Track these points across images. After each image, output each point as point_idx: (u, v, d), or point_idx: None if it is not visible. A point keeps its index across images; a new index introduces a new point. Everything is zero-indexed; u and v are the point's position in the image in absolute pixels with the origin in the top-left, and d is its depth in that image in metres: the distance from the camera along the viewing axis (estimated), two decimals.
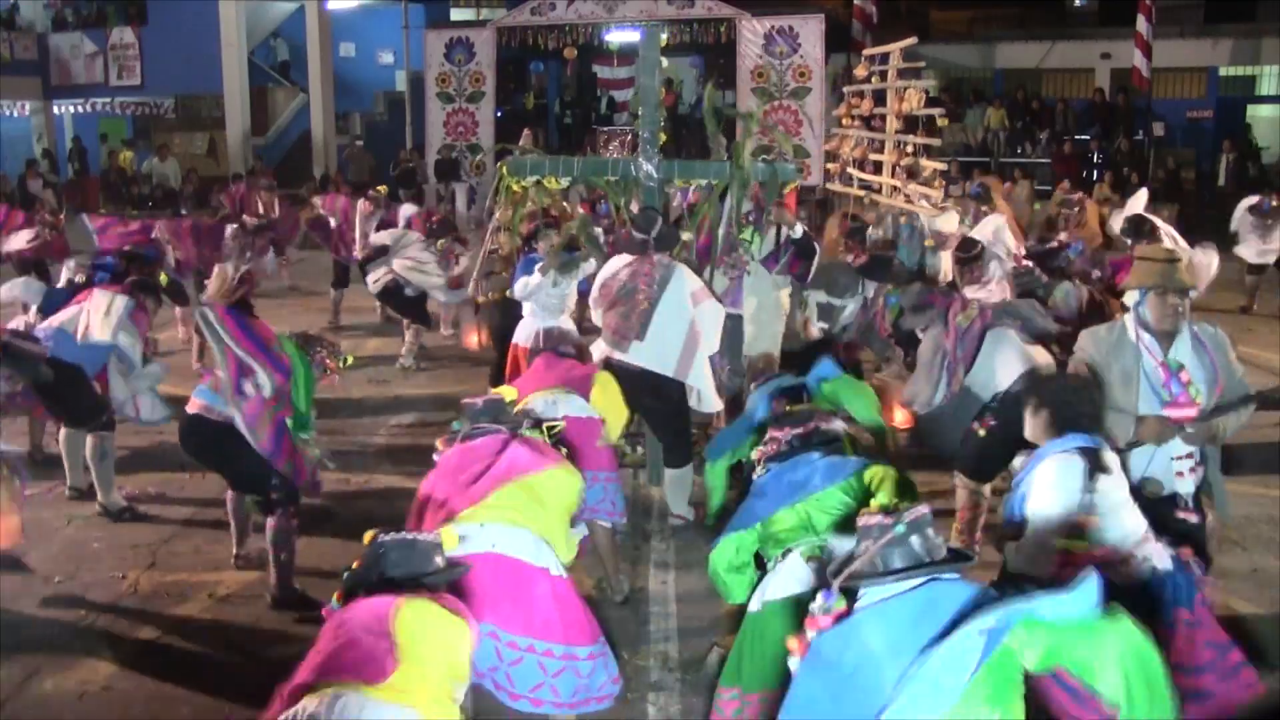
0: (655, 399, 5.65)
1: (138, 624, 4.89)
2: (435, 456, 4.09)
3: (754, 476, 3.99)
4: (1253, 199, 11.39)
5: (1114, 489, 3.48)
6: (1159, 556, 3.51)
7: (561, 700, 3.59)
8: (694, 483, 5.91)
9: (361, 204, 11.08)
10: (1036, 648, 2.34)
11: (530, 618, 3.57)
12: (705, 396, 5.91)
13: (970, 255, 7.65)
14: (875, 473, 3.63)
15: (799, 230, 6.81)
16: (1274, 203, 11.08)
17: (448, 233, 10.25)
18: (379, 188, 11.65)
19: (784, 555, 3.57)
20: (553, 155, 8.23)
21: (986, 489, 5.37)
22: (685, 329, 5.66)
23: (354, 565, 3.00)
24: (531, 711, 3.63)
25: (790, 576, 3.50)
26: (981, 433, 5.16)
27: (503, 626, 3.54)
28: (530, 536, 3.69)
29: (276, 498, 4.94)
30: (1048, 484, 3.46)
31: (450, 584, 3.16)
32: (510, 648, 3.55)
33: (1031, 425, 3.70)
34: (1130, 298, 4.21)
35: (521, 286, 6.75)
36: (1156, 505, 3.91)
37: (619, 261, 5.87)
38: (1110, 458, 3.51)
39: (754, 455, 4.09)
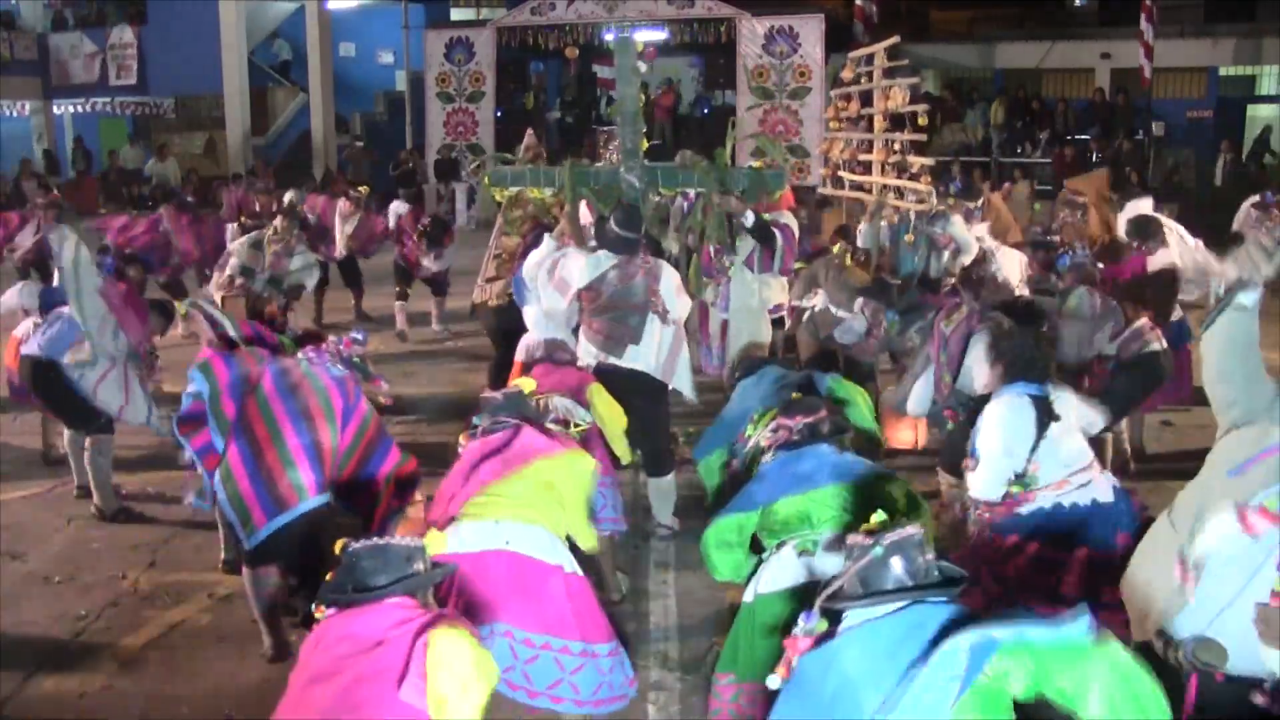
0: (642, 402, 5.51)
1: (138, 624, 4.88)
2: (460, 450, 4.09)
3: (761, 462, 3.97)
4: (1256, 196, 11.32)
5: (1061, 431, 3.83)
6: (1101, 486, 3.82)
7: (583, 698, 3.58)
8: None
9: (342, 203, 11.04)
10: (1022, 675, 2.26)
11: (545, 615, 3.57)
12: (685, 391, 5.82)
13: (975, 258, 7.68)
14: (884, 482, 3.63)
15: (750, 218, 6.59)
16: (1277, 198, 11.01)
17: (441, 234, 10.29)
18: (360, 187, 11.62)
19: (778, 547, 3.57)
20: (551, 155, 8.23)
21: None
22: (673, 330, 5.60)
23: (327, 577, 2.86)
24: (551, 709, 3.63)
25: (782, 569, 3.50)
26: (949, 426, 5.28)
27: (517, 625, 3.54)
28: (545, 534, 3.68)
29: None
30: (996, 422, 3.85)
31: (452, 581, 3.10)
32: (525, 645, 3.55)
33: (989, 378, 4.21)
34: None
35: (530, 268, 6.06)
36: (1223, 690, 2.69)
37: (604, 261, 5.57)
38: (1061, 403, 3.89)
39: (763, 443, 4.07)
